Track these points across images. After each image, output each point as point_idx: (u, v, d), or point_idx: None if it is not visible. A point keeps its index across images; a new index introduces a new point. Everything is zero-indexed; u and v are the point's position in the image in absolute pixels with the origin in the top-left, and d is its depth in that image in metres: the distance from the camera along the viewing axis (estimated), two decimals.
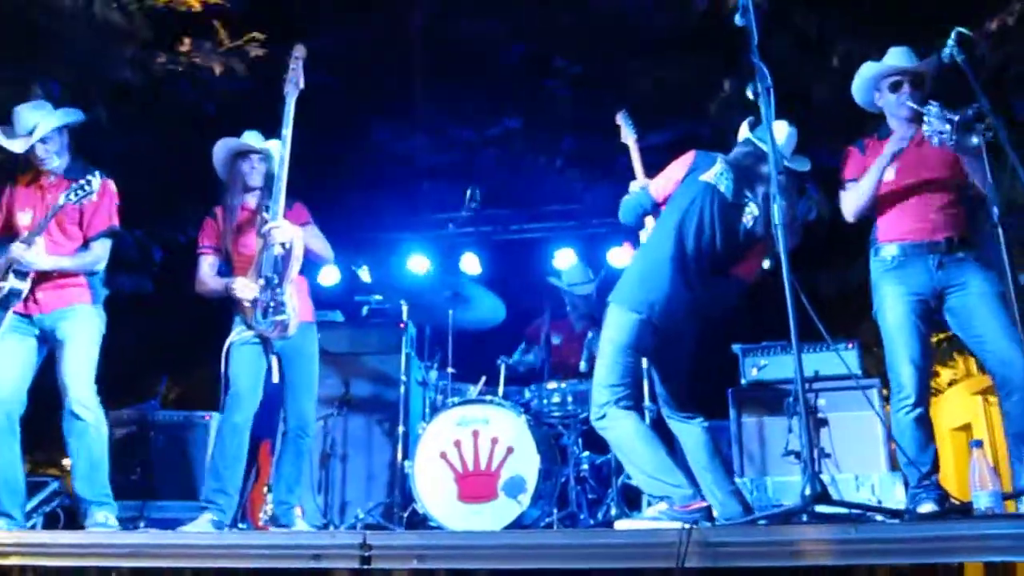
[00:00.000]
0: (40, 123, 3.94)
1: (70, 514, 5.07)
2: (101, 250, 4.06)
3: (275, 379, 3.90)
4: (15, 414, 3.88)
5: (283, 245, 3.78)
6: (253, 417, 3.84)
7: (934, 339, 3.88)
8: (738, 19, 3.12)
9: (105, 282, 4.18)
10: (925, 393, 3.36)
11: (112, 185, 4.13)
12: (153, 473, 5.34)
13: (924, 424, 3.33)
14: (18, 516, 3.74)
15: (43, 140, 3.96)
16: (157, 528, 5.00)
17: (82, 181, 3.83)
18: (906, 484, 3.52)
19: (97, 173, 3.88)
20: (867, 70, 3.63)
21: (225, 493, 3.69)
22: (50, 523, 4.66)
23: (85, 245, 4.03)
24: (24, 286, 3.87)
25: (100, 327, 4.08)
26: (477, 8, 6.74)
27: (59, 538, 3.10)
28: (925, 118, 3.22)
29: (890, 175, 3.53)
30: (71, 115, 4.08)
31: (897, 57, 3.58)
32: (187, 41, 6.17)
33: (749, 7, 3.11)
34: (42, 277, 3.92)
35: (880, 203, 3.57)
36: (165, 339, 7.98)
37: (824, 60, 5.65)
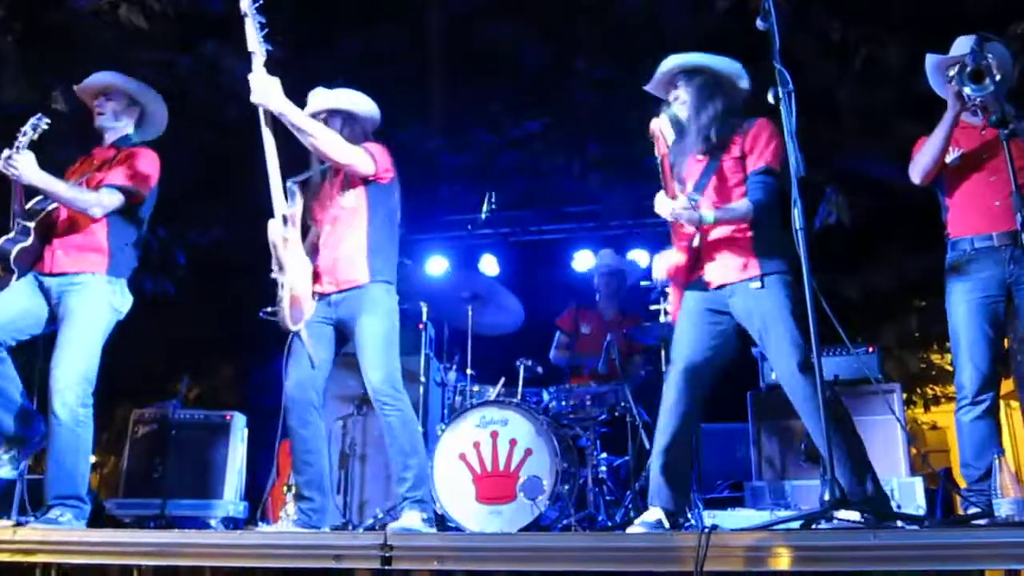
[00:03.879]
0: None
1: (94, 511, 5.13)
2: (107, 198, 3.68)
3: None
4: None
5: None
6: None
7: None
8: (760, 23, 3.12)
9: (131, 255, 3.85)
10: (986, 395, 3.33)
11: (148, 153, 3.88)
12: (174, 471, 5.39)
13: (981, 428, 3.31)
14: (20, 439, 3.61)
15: (108, 95, 3.92)
16: (178, 526, 5.09)
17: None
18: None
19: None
20: (929, 60, 3.66)
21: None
22: None
23: None
24: (25, 241, 3.61)
25: (111, 305, 3.71)
26: (499, 10, 6.76)
27: (83, 536, 3.13)
28: (964, 91, 3.28)
29: (954, 158, 3.55)
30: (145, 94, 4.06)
31: (958, 47, 3.60)
32: (210, 44, 6.23)
33: (771, 10, 3.11)
34: (60, 234, 3.68)
35: (947, 190, 3.59)
36: (187, 340, 8.05)
37: (847, 63, 5.63)
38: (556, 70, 7.26)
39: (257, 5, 3.42)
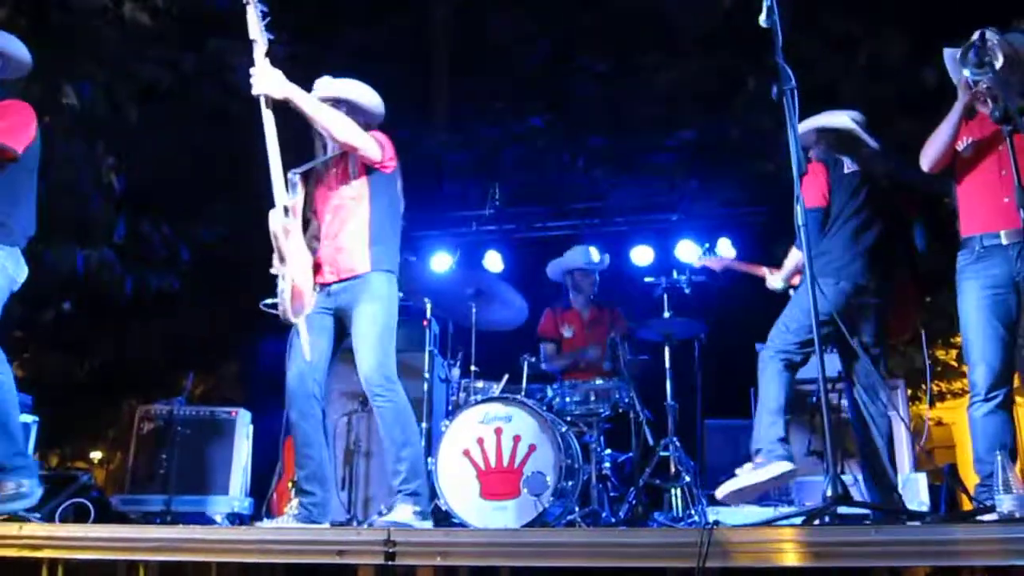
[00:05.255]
0: None
1: (100, 507, 5.16)
2: None
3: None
4: None
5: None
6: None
7: None
8: (763, 20, 3.12)
9: (15, 218, 3.55)
10: (998, 391, 3.32)
11: (13, 105, 3.56)
12: (179, 468, 5.42)
13: (993, 423, 3.29)
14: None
15: None
16: (183, 522, 5.11)
17: None
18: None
19: None
20: (947, 53, 3.65)
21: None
22: (80, 516, 4.73)
23: None
24: None
25: (5, 270, 3.48)
26: (502, 6, 6.76)
27: (89, 532, 3.15)
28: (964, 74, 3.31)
29: (966, 147, 3.53)
30: None
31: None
32: (213, 41, 6.24)
33: (774, 8, 3.11)
34: None
35: (959, 183, 3.57)
36: (192, 336, 8.08)
37: (851, 58, 5.63)
38: (558, 65, 7.27)
39: None
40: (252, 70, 3.37)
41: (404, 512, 3.37)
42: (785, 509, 4.57)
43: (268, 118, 3.39)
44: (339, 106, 3.69)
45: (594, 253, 5.96)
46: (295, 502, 3.65)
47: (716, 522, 2.61)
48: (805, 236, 3.04)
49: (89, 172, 6.28)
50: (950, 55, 3.63)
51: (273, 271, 3.53)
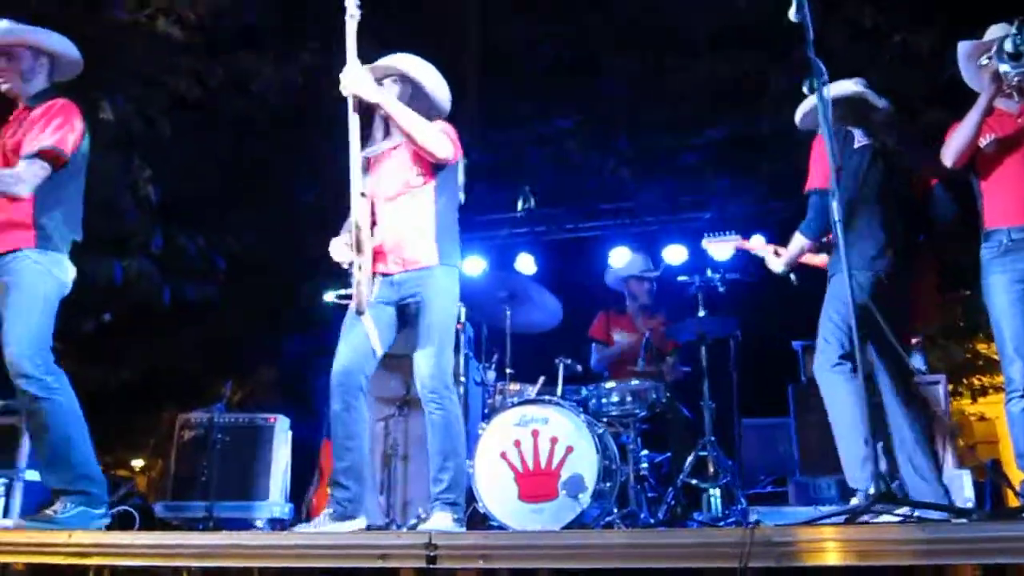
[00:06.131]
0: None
1: (143, 514, 5.24)
2: (27, 171, 3.35)
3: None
4: None
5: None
6: None
7: None
8: (792, 15, 3.09)
9: (61, 223, 3.49)
10: None
11: (62, 105, 3.50)
12: (220, 474, 5.48)
13: None
14: None
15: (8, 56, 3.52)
16: (224, 528, 5.17)
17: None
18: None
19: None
20: (961, 47, 3.59)
21: None
22: (125, 524, 4.81)
23: None
24: None
25: (47, 277, 3.41)
26: (528, 8, 6.77)
27: (136, 539, 3.19)
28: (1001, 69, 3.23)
29: (988, 143, 3.47)
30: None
31: (992, 33, 3.54)
32: (242, 53, 6.31)
33: (804, 2, 3.08)
34: None
35: (981, 177, 3.52)
36: (229, 344, 8.18)
37: (879, 49, 5.57)
38: (585, 66, 7.25)
39: None
40: (344, 71, 3.38)
41: (443, 519, 3.34)
42: (826, 508, 4.52)
43: (354, 122, 3.40)
44: (405, 84, 3.64)
45: (642, 261, 6.04)
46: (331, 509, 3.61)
47: (758, 521, 2.59)
48: (841, 232, 3.00)
49: (125, 184, 6.38)
50: (967, 52, 3.57)
51: (343, 260, 3.49)
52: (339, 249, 3.54)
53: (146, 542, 3.09)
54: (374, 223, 3.60)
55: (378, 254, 3.54)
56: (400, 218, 3.56)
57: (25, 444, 5.19)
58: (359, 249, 3.38)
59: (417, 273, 3.51)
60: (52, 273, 3.42)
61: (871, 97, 3.75)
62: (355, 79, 3.38)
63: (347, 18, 3.42)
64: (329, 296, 3.42)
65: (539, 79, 7.29)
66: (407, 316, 3.56)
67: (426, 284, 3.48)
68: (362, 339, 3.46)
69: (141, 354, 8.84)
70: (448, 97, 3.76)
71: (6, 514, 5.07)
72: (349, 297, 3.39)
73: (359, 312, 3.37)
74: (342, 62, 3.44)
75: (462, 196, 3.78)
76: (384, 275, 3.54)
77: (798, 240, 3.79)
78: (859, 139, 3.69)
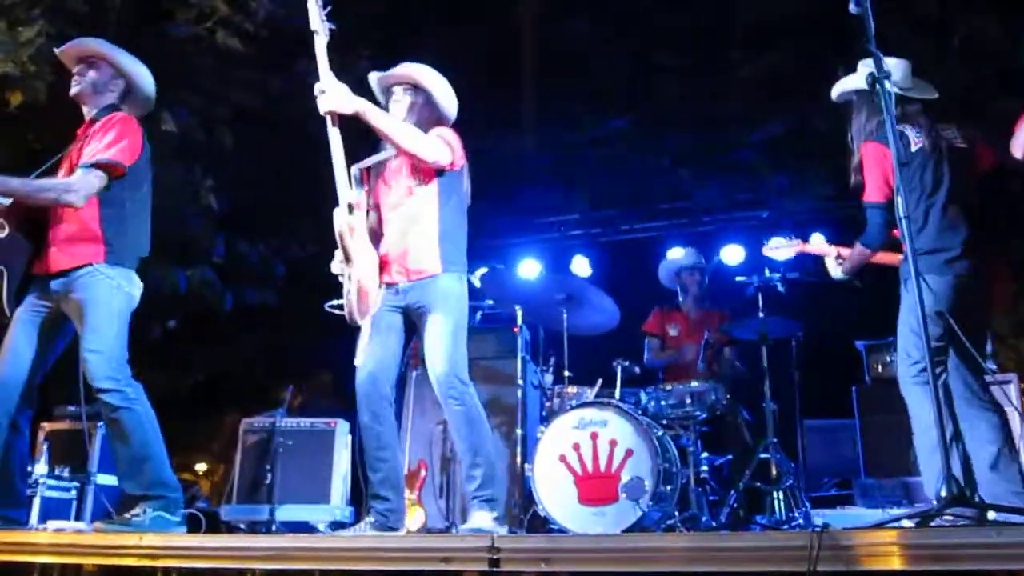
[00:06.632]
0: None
1: (209, 517, 5.36)
2: (80, 180, 3.38)
3: None
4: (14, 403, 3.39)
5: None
6: None
7: None
8: (853, 7, 3.03)
9: (128, 237, 3.55)
10: None
11: (121, 118, 3.56)
12: (282, 478, 5.57)
13: None
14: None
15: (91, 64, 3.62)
16: (287, 530, 5.26)
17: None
18: None
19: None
20: None
21: None
22: (192, 527, 4.91)
23: None
24: None
25: (119, 292, 3.48)
26: (580, 8, 6.75)
27: (204, 541, 3.26)
28: None
29: None
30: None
31: None
32: (301, 62, 6.40)
33: None
34: (51, 230, 3.47)
35: None
36: (290, 350, 8.31)
37: (944, 43, 5.43)
38: (637, 65, 7.19)
39: None
40: (317, 86, 3.34)
41: (484, 519, 3.32)
42: (894, 511, 4.42)
43: (335, 135, 3.36)
44: (417, 94, 3.68)
45: (692, 255, 6.04)
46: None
47: (826, 524, 2.53)
48: (907, 228, 2.92)
49: (188, 195, 6.53)
50: None
51: (335, 271, 3.49)
52: (336, 260, 3.54)
53: (213, 544, 3.15)
54: (381, 232, 3.67)
55: (384, 263, 3.60)
56: (404, 225, 3.61)
57: (96, 449, 5.34)
58: (347, 259, 3.39)
59: (421, 283, 3.55)
60: (123, 288, 3.50)
61: (901, 90, 3.47)
62: (330, 96, 3.34)
63: (315, 36, 3.38)
64: (334, 303, 3.44)
65: (591, 79, 7.26)
66: (416, 322, 3.60)
67: (431, 292, 3.52)
68: (381, 347, 3.51)
69: (204, 360, 9.03)
70: (455, 106, 3.80)
71: (78, 517, 5.22)
72: (341, 307, 3.41)
73: (351, 322, 3.41)
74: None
75: (468, 202, 3.77)
76: (389, 285, 3.60)
77: (860, 250, 3.69)
78: (915, 141, 3.52)
